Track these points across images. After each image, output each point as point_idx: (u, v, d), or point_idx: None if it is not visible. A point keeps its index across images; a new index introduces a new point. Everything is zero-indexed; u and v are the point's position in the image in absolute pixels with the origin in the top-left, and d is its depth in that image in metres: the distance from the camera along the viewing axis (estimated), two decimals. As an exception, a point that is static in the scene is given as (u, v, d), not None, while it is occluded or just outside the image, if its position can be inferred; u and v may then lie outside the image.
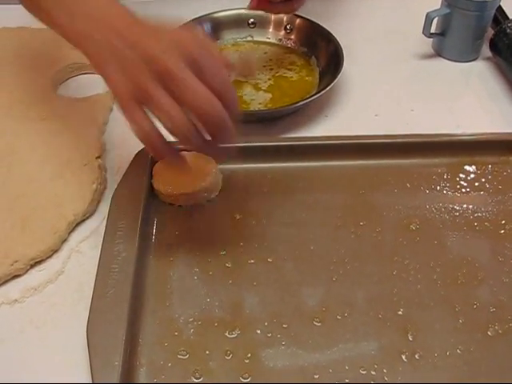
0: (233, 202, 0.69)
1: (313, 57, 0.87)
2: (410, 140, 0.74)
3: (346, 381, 0.55)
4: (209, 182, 0.68)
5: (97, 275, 0.60)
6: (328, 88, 0.77)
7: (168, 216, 0.68)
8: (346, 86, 0.84)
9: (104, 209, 0.68)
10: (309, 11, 0.91)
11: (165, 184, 0.68)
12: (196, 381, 0.55)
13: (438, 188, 0.72)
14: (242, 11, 0.91)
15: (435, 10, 0.87)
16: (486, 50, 0.91)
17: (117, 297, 0.58)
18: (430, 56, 0.92)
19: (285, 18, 0.90)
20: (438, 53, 0.92)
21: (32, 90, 0.81)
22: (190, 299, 0.61)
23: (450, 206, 0.70)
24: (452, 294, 0.62)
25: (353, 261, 0.64)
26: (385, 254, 0.65)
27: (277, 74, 0.85)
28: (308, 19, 0.89)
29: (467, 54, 0.91)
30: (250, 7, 0.80)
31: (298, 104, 0.76)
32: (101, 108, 0.79)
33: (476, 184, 0.73)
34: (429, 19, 0.86)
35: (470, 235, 0.67)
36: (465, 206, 0.70)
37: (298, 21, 0.89)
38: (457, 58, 0.91)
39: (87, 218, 0.68)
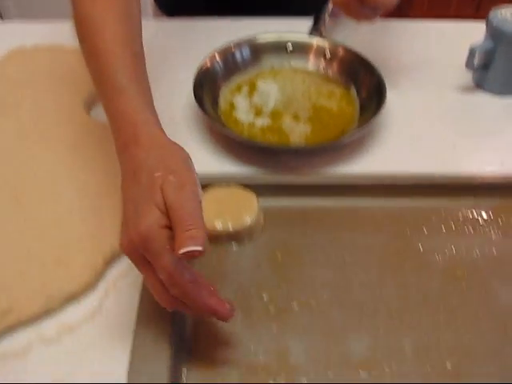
0: (274, 241, 0.68)
1: (352, 87, 0.84)
2: (455, 180, 0.72)
3: None
4: (252, 221, 0.66)
5: (137, 319, 0.58)
6: (370, 123, 0.76)
7: (209, 254, 0.66)
8: (387, 119, 0.82)
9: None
10: (348, 39, 0.90)
11: (206, 221, 0.66)
12: None
13: (484, 231, 0.70)
14: (281, 36, 0.89)
15: (479, 45, 0.85)
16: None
17: (158, 342, 0.56)
18: (470, 89, 0.90)
19: (323, 46, 0.88)
20: (479, 85, 0.90)
21: (65, 113, 0.79)
22: (234, 344, 0.59)
23: (498, 251, 0.68)
24: (501, 348, 0.60)
25: (399, 308, 0.62)
26: (431, 301, 0.63)
27: (316, 105, 0.83)
28: (349, 48, 0.87)
29: (510, 88, 0.89)
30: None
31: (339, 141, 0.74)
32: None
33: (524, 228, 0.71)
34: (472, 53, 0.84)
35: (518, 283, 0.65)
36: (512, 251, 0.68)
37: (338, 49, 0.87)
38: (498, 92, 0.89)
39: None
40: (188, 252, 0.48)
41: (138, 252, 0.52)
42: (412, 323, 0.61)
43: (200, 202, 0.53)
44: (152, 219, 0.51)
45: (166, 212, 0.51)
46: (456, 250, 0.68)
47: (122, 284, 0.64)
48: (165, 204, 0.52)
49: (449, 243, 0.68)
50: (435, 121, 0.83)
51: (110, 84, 0.61)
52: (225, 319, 0.54)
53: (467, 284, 0.65)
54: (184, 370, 0.57)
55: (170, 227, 0.51)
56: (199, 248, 0.49)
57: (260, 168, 0.75)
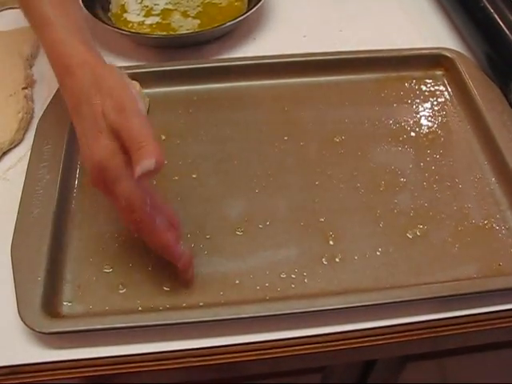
0: (159, 123, 0.70)
1: (242, -18, 0.86)
2: (335, 57, 0.75)
3: (267, 285, 0.56)
4: (133, 105, 0.68)
5: (21, 197, 0.60)
6: (253, 10, 0.77)
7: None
8: (275, 9, 0.84)
9: (31, 138, 0.68)
10: None
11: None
12: (120, 292, 0.56)
13: (364, 103, 0.73)
14: None
15: None
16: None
17: (41, 216, 0.59)
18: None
19: None
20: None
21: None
22: (116, 216, 0.61)
23: (376, 119, 0.71)
24: (374, 200, 0.63)
25: (276, 173, 0.65)
26: (308, 165, 0.66)
27: (206, 1, 0.84)
28: None
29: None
30: None
31: (223, 26, 0.76)
32: (28, 41, 0.78)
33: (402, 98, 0.74)
34: None
35: (394, 145, 0.68)
36: (390, 119, 0.71)
37: None
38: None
39: (14, 146, 0.68)
40: (144, 172, 0.48)
41: (101, 183, 0.52)
42: (288, 186, 0.64)
43: (145, 117, 0.52)
44: (101, 149, 0.50)
45: (116, 137, 0.51)
46: (335, 120, 0.70)
47: (12, 174, 0.66)
48: (112, 130, 0.51)
49: (328, 115, 0.71)
50: (322, 8, 0.86)
51: (37, 13, 0.60)
52: (175, 260, 0.54)
53: (344, 149, 0.67)
54: (66, 244, 0.59)
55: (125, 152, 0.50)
56: (152, 163, 0.48)
57: (147, 62, 0.77)
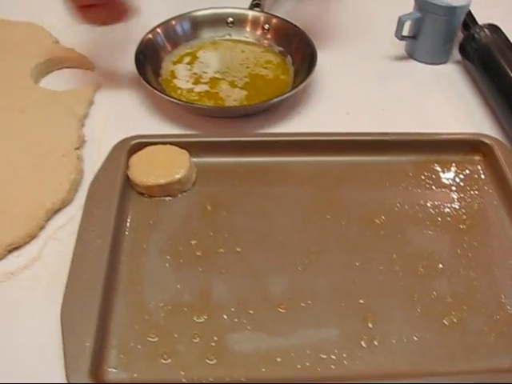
0: (205, 193, 0.72)
1: (288, 56, 0.89)
2: (378, 138, 0.77)
3: (307, 364, 0.58)
4: (182, 175, 0.70)
5: (72, 261, 0.62)
6: (300, 87, 0.80)
7: (143, 206, 0.70)
8: (319, 85, 0.87)
9: (81, 198, 0.70)
10: (285, 11, 0.94)
11: (140, 175, 0.70)
12: (164, 362, 0.57)
13: (404, 185, 0.75)
14: (221, 10, 0.94)
15: (407, 14, 0.90)
16: (456, 54, 0.94)
17: (90, 281, 0.60)
18: (402, 58, 0.95)
19: (262, 18, 0.93)
20: (410, 55, 0.95)
21: (12, 82, 0.83)
22: (161, 285, 0.63)
23: (415, 201, 0.73)
24: (412, 284, 0.65)
25: (318, 252, 0.67)
26: (348, 246, 0.68)
27: (253, 72, 0.87)
28: (284, 19, 0.92)
29: (438, 57, 0.94)
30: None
31: (272, 101, 0.79)
32: (81, 101, 0.82)
33: (440, 182, 0.76)
34: (401, 22, 0.89)
35: (432, 230, 0.70)
36: (428, 202, 0.73)
37: (274, 21, 0.92)
38: (428, 61, 0.94)
39: (64, 206, 0.71)
40: None
41: None
42: (329, 265, 0.66)
43: None
44: None
45: None
46: (376, 201, 0.72)
47: (61, 234, 0.68)
48: None
49: (369, 195, 0.73)
50: (366, 86, 0.89)
51: None
52: None
53: (384, 231, 0.69)
54: (113, 310, 0.61)
55: None
56: None
57: (196, 130, 0.79)
